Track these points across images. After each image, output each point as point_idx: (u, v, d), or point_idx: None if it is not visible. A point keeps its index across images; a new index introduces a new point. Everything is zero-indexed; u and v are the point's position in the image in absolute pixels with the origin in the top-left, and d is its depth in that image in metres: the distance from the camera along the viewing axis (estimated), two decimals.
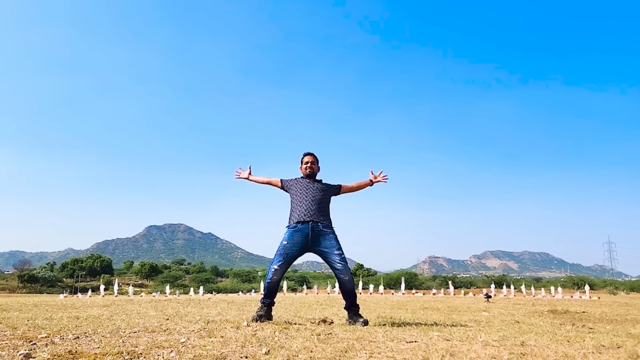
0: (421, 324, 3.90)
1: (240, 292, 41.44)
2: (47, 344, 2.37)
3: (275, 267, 3.82)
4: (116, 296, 17.71)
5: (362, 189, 4.39)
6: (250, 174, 4.38)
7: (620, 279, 66.03)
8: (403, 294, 19.98)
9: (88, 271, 77.17)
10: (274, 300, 3.88)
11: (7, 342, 2.46)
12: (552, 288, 37.46)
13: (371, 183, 4.27)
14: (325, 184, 4.14)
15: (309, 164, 4.11)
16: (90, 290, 39.25)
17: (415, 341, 2.63)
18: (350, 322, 3.69)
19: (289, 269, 4.24)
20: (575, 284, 62.79)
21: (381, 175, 4.27)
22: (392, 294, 19.89)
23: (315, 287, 45.01)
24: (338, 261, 3.79)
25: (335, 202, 4.17)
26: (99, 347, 2.27)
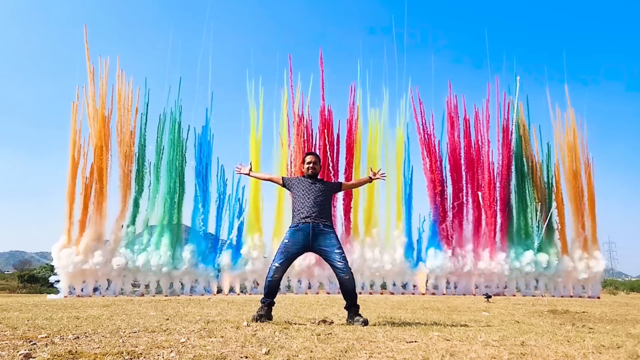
0: (421, 324, 3.90)
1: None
2: (47, 344, 2.37)
3: (277, 265, 3.84)
4: (116, 296, 17.62)
5: (361, 185, 4.76)
6: (251, 170, 4.43)
7: (620, 279, 65.84)
8: (402, 293, 19.94)
9: None
10: (274, 300, 3.88)
11: (7, 342, 2.46)
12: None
13: (370, 180, 4.36)
14: (326, 184, 4.17)
15: (311, 164, 4.14)
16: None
17: (415, 341, 2.63)
18: (350, 322, 3.69)
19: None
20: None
21: (380, 173, 4.33)
22: (392, 293, 19.85)
23: None
24: (338, 260, 3.80)
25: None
26: (99, 347, 2.27)
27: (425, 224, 21.12)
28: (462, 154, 21.75)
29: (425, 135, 21.53)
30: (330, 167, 20.27)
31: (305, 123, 20.71)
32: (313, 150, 20.37)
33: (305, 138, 20.52)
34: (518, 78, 21.55)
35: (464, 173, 21.63)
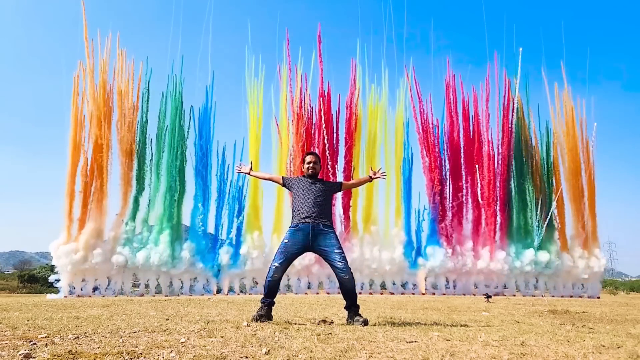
0: (421, 324, 3.90)
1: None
2: (47, 344, 2.37)
3: (277, 264, 3.84)
4: (116, 295, 17.59)
5: (362, 184, 4.79)
6: (251, 169, 4.45)
7: (620, 279, 65.83)
8: (402, 293, 19.89)
9: None
10: (274, 300, 3.88)
11: (7, 342, 2.46)
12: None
13: (370, 179, 4.36)
14: (326, 184, 4.17)
15: (311, 164, 4.14)
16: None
17: (415, 341, 2.63)
18: (350, 322, 3.69)
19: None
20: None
21: (380, 172, 4.33)
22: (392, 293, 19.82)
23: None
24: (338, 260, 3.80)
25: None
26: (99, 347, 2.27)
27: (424, 224, 21.02)
28: (462, 137, 21.56)
29: (424, 134, 21.45)
30: (327, 150, 20.02)
31: (304, 98, 20.47)
32: (310, 126, 20.32)
33: (306, 117, 20.28)
34: (520, 49, 21.27)
35: (463, 173, 21.57)
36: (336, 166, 20.48)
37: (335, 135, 20.85)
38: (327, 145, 20.22)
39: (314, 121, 20.72)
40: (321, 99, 20.62)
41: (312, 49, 21.14)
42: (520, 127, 21.63)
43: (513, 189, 21.31)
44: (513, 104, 21.44)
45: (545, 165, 21.57)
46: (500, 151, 21.33)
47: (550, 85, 21.92)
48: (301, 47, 21.10)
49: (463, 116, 21.89)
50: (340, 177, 20.26)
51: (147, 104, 20.06)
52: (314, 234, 3.87)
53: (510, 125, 21.30)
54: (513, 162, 21.31)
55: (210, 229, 20.20)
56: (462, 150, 21.68)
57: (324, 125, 20.24)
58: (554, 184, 21.41)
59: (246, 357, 2.07)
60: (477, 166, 20.99)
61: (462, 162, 21.66)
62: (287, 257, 3.88)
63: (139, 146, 19.60)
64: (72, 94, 18.99)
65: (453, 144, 21.61)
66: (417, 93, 21.68)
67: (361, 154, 21.09)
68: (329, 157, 20.14)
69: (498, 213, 20.90)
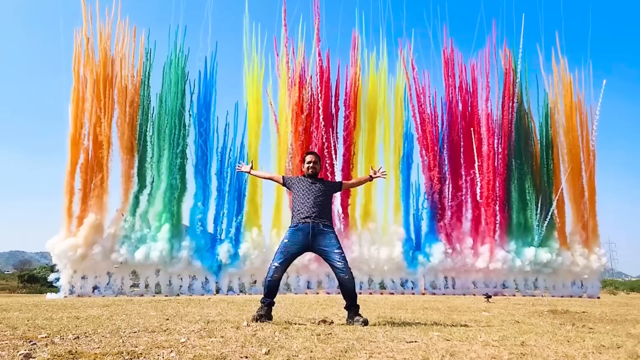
0: (421, 324, 3.90)
1: None
2: (47, 344, 2.37)
3: (277, 264, 3.83)
4: (116, 295, 17.58)
5: (362, 184, 4.84)
6: (252, 168, 4.46)
7: (620, 279, 65.84)
8: (402, 293, 19.90)
9: None
10: (274, 300, 3.88)
11: (7, 342, 2.46)
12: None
13: (371, 178, 4.36)
14: (326, 183, 4.17)
15: (311, 164, 4.13)
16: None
17: (415, 341, 2.63)
18: (350, 322, 3.69)
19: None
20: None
21: (380, 171, 4.33)
22: (392, 293, 19.82)
23: None
24: (338, 260, 3.80)
25: None
26: (99, 347, 2.27)
27: (422, 223, 21.00)
28: (459, 115, 21.50)
29: (423, 134, 21.38)
30: (322, 125, 19.91)
31: (302, 65, 20.48)
32: (310, 96, 20.29)
33: (307, 81, 20.25)
34: (523, 15, 21.06)
35: (463, 173, 21.55)
36: (334, 162, 20.38)
37: (334, 107, 20.81)
38: (322, 123, 20.02)
39: (314, 90, 20.54)
40: (319, 67, 20.51)
41: (312, 20, 21.07)
42: (520, 113, 21.54)
43: (513, 167, 21.05)
44: (514, 78, 21.19)
45: (544, 143, 21.43)
46: (500, 131, 21.10)
47: (547, 53, 21.84)
48: (302, 15, 20.97)
49: (460, 90, 21.79)
50: (340, 167, 20.30)
51: (149, 73, 19.98)
52: (313, 233, 3.86)
53: (510, 97, 21.09)
54: (513, 144, 21.18)
55: (210, 229, 20.22)
56: (461, 149, 21.60)
57: (321, 99, 20.07)
58: (552, 154, 21.24)
59: (246, 357, 2.07)
60: (472, 129, 20.72)
61: (462, 161, 21.62)
62: (287, 257, 3.88)
63: (139, 136, 19.42)
64: (73, 58, 18.88)
65: (452, 142, 21.56)
66: (416, 90, 21.60)
67: (360, 136, 21.00)
68: (325, 142, 19.97)
69: (497, 213, 20.86)
